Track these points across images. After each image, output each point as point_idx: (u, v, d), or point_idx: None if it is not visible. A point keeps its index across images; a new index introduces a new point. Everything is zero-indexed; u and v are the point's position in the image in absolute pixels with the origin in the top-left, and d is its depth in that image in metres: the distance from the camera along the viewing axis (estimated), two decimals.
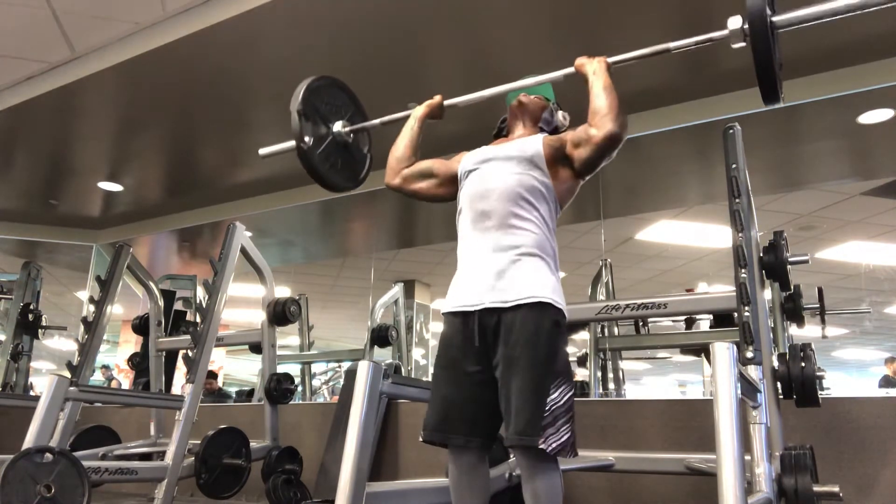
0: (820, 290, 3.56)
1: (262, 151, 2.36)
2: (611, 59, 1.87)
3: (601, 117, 1.78)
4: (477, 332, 1.75)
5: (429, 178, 2.06)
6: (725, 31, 1.68)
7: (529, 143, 1.90)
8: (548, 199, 1.85)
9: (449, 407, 1.76)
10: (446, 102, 2.13)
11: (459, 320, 1.80)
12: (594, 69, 1.86)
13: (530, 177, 1.83)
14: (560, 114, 2.07)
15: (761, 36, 1.57)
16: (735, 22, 1.66)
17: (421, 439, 1.79)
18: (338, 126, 2.22)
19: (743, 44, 1.66)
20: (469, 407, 1.75)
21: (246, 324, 7.32)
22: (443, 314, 1.87)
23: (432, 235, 6.35)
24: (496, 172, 1.87)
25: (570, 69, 1.92)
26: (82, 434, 4.14)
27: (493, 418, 1.74)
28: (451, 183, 2.01)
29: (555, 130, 2.04)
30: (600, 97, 1.81)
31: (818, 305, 3.76)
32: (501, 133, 2.12)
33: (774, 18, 1.60)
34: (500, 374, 1.71)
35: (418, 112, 2.14)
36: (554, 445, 1.60)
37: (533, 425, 1.60)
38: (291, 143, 2.15)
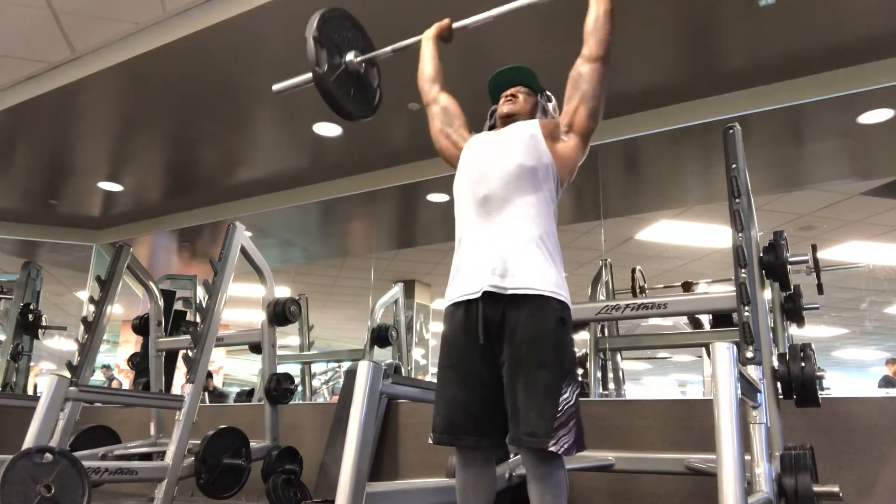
0: (813, 247, 3.49)
1: (276, 87, 2.36)
2: None
3: (596, 41, 1.85)
4: (481, 328, 1.71)
5: (445, 125, 2.06)
6: None
7: (526, 125, 1.90)
8: (549, 178, 1.83)
9: (457, 408, 1.74)
10: (455, 25, 2.17)
11: (461, 313, 1.76)
12: None
13: (529, 157, 1.81)
14: (551, 106, 2.06)
15: None
16: None
17: (431, 441, 1.77)
18: (350, 56, 2.24)
19: None
20: (476, 407, 1.73)
21: (246, 324, 7.33)
22: (444, 308, 1.84)
23: (432, 235, 6.35)
24: (494, 156, 1.86)
25: None
26: (82, 434, 4.14)
27: (502, 417, 1.71)
28: (453, 148, 2.02)
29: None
30: (599, 21, 1.87)
31: (807, 258, 3.66)
32: (493, 127, 2.08)
33: None
34: (507, 374, 1.69)
35: (429, 33, 2.19)
36: (566, 446, 1.59)
37: (544, 427, 1.58)
38: (307, 76, 2.16)
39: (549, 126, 1.89)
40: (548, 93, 2.09)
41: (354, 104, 2.26)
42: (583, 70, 1.87)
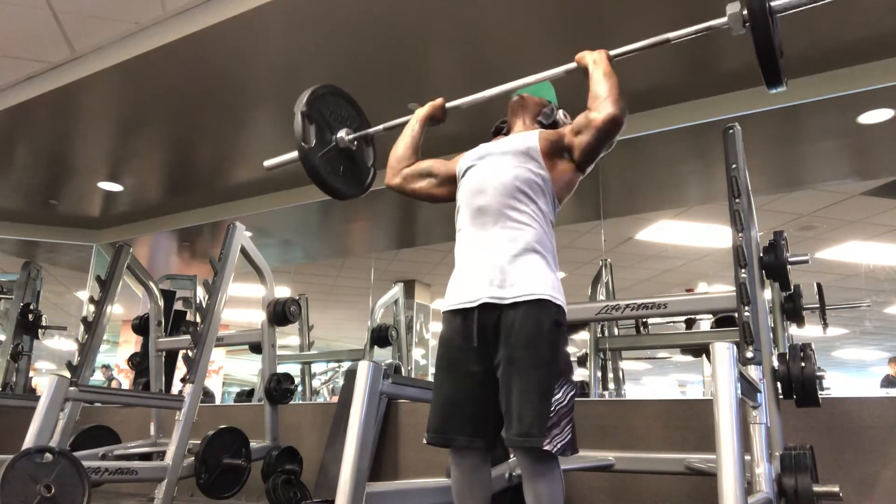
0: (819, 286, 3.55)
1: (267, 163, 2.35)
2: (612, 52, 1.87)
3: (602, 101, 1.78)
4: (476, 331, 1.74)
5: (428, 178, 2.06)
6: (724, 19, 1.68)
7: (525, 137, 1.90)
8: (545, 193, 1.84)
9: (451, 408, 1.76)
10: (448, 105, 2.13)
11: (459, 319, 1.79)
12: (594, 59, 1.86)
13: (527, 170, 1.82)
14: (560, 112, 2.07)
15: (761, 20, 1.57)
16: (734, 7, 1.66)
17: (425, 441, 1.78)
18: (341, 133, 2.21)
19: (742, 31, 1.66)
20: (471, 408, 1.75)
21: (246, 324, 7.33)
22: (442, 313, 1.86)
23: (432, 235, 6.35)
24: (493, 167, 1.86)
25: (572, 65, 1.92)
26: (82, 434, 4.14)
27: (496, 418, 1.73)
28: (451, 182, 2.01)
29: (553, 125, 2.03)
30: (600, 83, 1.81)
31: (818, 306, 3.75)
32: (500, 132, 2.11)
33: (773, 3, 1.60)
34: (502, 375, 1.70)
35: (420, 113, 2.14)
36: (559, 446, 1.60)
37: (537, 426, 1.59)
38: (295, 153, 2.14)
39: (550, 139, 1.87)
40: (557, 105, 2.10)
41: (344, 182, 2.23)
42: (594, 118, 1.80)
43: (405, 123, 2.17)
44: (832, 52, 3.37)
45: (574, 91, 1.96)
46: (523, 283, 1.72)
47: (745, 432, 1.98)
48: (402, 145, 2.11)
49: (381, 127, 2.24)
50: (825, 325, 3.69)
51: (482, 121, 2.23)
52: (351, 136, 2.23)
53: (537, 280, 1.73)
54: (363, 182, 2.35)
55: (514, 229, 1.78)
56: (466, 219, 1.86)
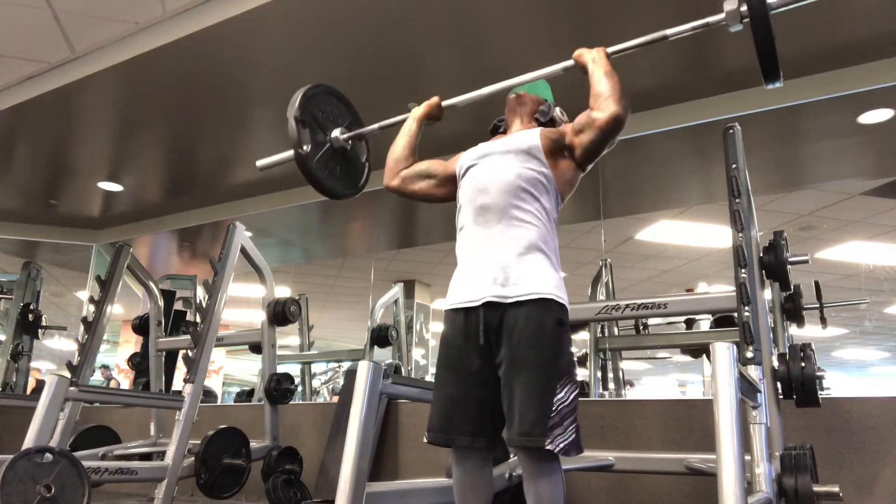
0: (816, 284, 3.55)
1: (260, 163, 2.35)
2: (609, 49, 1.87)
3: (604, 99, 1.77)
4: (482, 330, 1.73)
5: (427, 179, 2.05)
6: (722, 15, 1.68)
7: (527, 135, 1.90)
8: (548, 191, 1.83)
9: (453, 407, 1.75)
10: (444, 103, 2.12)
11: (461, 318, 1.78)
12: (593, 57, 1.85)
13: (529, 169, 1.82)
14: (557, 109, 2.07)
15: (760, 14, 1.58)
16: (731, 4, 1.66)
17: (426, 440, 1.77)
18: (335, 133, 2.21)
19: (740, 27, 1.66)
20: (473, 407, 1.74)
21: (246, 324, 7.33)
22: (444, 311, 1.85)
23: (432, 235, 6.35)
24: (495, 166, 1.86)
25: (570, 62, 1.91)
26: (82, 434, 4.14)
27: (498, 418, 1.72)
28: (450, 182, 2.01)
29: (551, 123, 2.03)
30: (601, 82, 1.80)
31: (817, 305, 3.75)
32: (498, 130, 2.10)
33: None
34: (504, 374, 1.69)
35: (417, 112, 2.13)
36: (562, 446, 1.59)
37: (539, 426, 1.59)
38: (289, 153, 2.14)
39: (552, 136, 1.88)
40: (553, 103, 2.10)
41: (339, 182, 2.24)
42: (596, 118, 1.79)
43: (401, 122, 2.16)
44: (832, 52, 3.37)
45: (571, 90, 1.95)
46: (527, 282, 1.71)
47: (745, 432, 1.98)
48: (400, 146, 2.10)
49: (376, 126, 2.24)
50: (824, 322, 3.69)
51: (480, 121, 2.23)
52: (345, 136, 2.23)
53: (541, 279, 1.72)
54: (358, 181, 2.36)
55: (517, 228, 1.77)
56: (469, 217, 1.85)
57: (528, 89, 2.03)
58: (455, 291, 1.83)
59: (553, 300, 1.71)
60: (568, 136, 1.86)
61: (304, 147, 2.08)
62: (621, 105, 1.76)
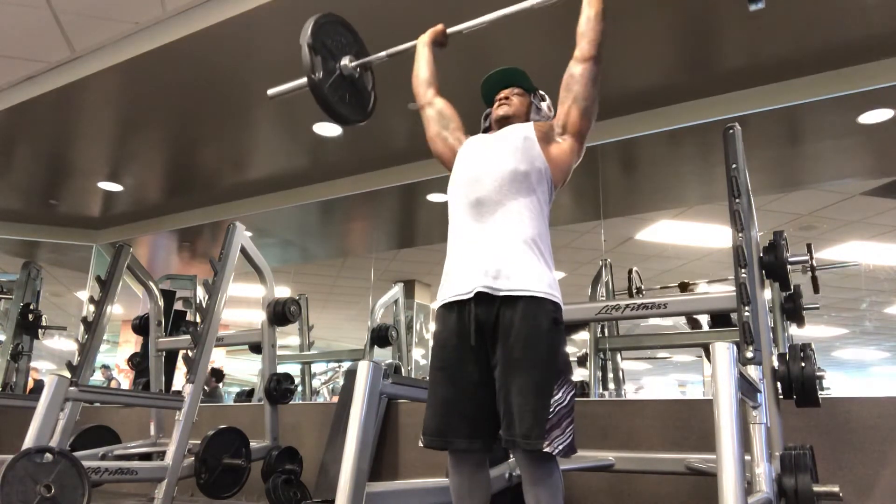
0: (808, 246, 3.50)
1: (271, 91, 2.37)
2: None
3: (587, 42, 1.87)
4: (473, 329, 1.71)
5: (441, 128, 2.06)
6: None
7: (521, 128, 1.91)
8: (543, 182, 1.83)
9: (448, 410, 1.72)
10: (449, 30, 2.19)
11: (454, 316, 1.76)
12: None
13: (523, 161, 1.81)
14: (545, 105, 2.06)
15: None
16: None
17: (421, 444, 1.75)
18: (345, 61, 2.25)
19: None
20: (469, 409, 1.71)
21: (246, 324, 7.32)
22: (436, 309, 1.83)
23: (432, 235, 6.35)
24: (489, 158, 1.86)
25: None
26: (82, 434, 4.14)
27: (494, 419, 1.70)
28: (448, 151, 2.01)
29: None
30: (590, 22, 1.88)
31: (805, 258, 3.67)
32: (489, 129, 2.08)
33: None
34: (500, 375, 1.68)
35: (424, 38, 2.20)
36: (560, 448, 1.58)
37: (537, 427, 1.58)
38: (302, 80, 2.17)
39: (543, 128, 1.89)
40: (541, 92, 2.09)
41: (349, 109, 2.27)
42: (574, 71, 1.88)
43: (406, 50, 2.23)
44: (832, 52, 3.37)
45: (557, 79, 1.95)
46: (519, 278, 1.70)
47: (745, 432, 1.98)
48: (420, 67, 2.16)
49: (383, 53, 2.28)
50: (816, 285, 3.60)
51: (479, 114, 2.23)
52: (354, 64, 2.26)
53: (534, 276, 1.71)
54: (366, 107, 2.39)
55: (511, 221, 1.76)
56: (462, 209, 1.84)
57: (506, 81, 2.03)
58: (445, 286, 1.81)
59: (547, 299, 1.69)
60: (559, 118, 1.89)
61: (317, 73, 2.12)
62: (598, 49, 1.87)
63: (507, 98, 2.00)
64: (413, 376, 5.96)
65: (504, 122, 1.98)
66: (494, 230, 1.76)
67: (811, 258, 3.52)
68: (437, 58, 2.19)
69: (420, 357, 6.70)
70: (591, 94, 1.87)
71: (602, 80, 1.90)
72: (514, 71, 2.03)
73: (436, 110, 2.09)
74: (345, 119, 2.27)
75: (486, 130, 2.08)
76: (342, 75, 2.24)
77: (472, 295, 1.72)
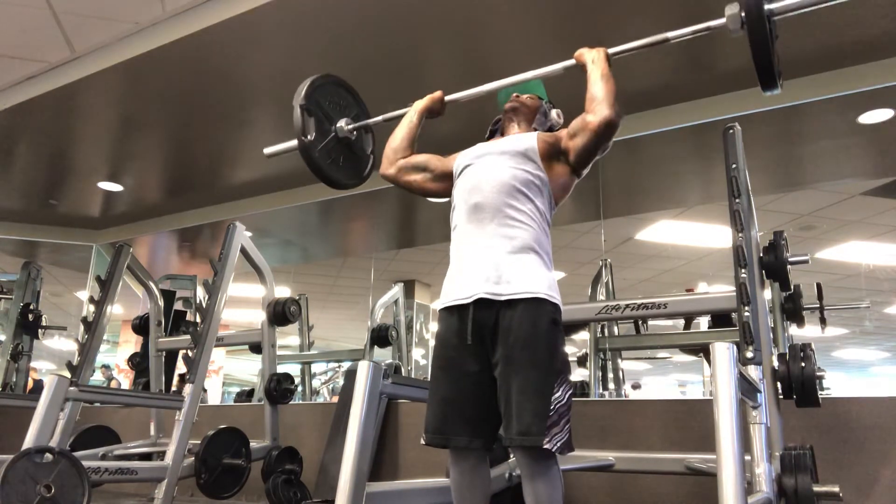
0: (818, 286, 3.56)
1: (267, 151, 2.37)
2: (611, 50, 1.88)
3: (598, 103, 1.79)
4: (471, 329, 1.74)
5: (423, 172, 2.06)
6: (723, 20, 1.69)
7: (523, 138, 1.92)
8: (543, 193, 1.85)
9: (449, 408, 1.75)
10: (447, 98, 2.14)
11: (455, 317, 1.79)
12: (593, 58, 1.87)
13: (524, 170, 1.83)
14: (554, 112, 2.08)
15: (758, 22, 1.59)
16: (732, 8, 1.67)
17: (423, 442, 1.77)
18: (341, 123, 2.24)
19: (741, 32, 1.67)
20: (469, 408, 1.74)
21: (246, 324, 7.33)
22: (438, 311, 1.87)
23: (432, 235, 6.35)
24: (490, 166, 1.87)
25: (571, 61, 1.93)
26: (82, 434, 4.14)
27: (494, 418, 1.73)
28: (445, 179, 2.02)
29: (549, 130, 2.03)
30: (597, 84, 1.82)
31: (818, 306, 3.76)
32: (494, 135, 2.11)
33: (771, 6, 1.61)
34: (500, 374, 1.70)
35: (419, 105, 2.15)
36: (559, 444, 1.60)
37: (537, 425, 1.60)
38: (295, 142, 2.15)
39: (548, 141, 1.89)
40: (551, 103, 2.11)
41: (342, 172, 2.25)
42: (585, 126, 1.82)
43: (403, 115, 2.18)
44: (832, 52, 3.37)
45: (568, 90, 1.95)
46: (520, 281, 1.72)
47: (745, 432, 1.98)
48: (399, 136, 2.11)
49: (380, 118, 2.26)
50: (823, 323, 3.69)
51: (479, 121, 2.23)
52: (350, 127, 2.25)
53: (534, 278, 1.73)
54: (362, 171, 2.37)
55: (511, 227, 1.78)
56: (462, 216, 1.87)
57: (522, 89, 2.05)
58: (448, 290, 1.84)
59: (547, 300, 1.72)
60: (563, 141, 1.88)
61: (308, 135, 2.10)
62: (614, 110, 1.78)
63: (517, 97, 2.05)
64: (413, 376, 5.96)
65: (511, 114, 2.02)
66: (493, 235, 1.78)
67: (821, 300, 3.56)
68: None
69: (420, 357, 6.70)
70: (598, 151, 1.85)
71: None
72: (534, 82, 2.06)
73: (410, 165, 2.06)
74: (336, 183, 2.24)
75: (492, 136, 2.10)
76: (337, 137, 2.22)
77: (472, 300, 1.75)
